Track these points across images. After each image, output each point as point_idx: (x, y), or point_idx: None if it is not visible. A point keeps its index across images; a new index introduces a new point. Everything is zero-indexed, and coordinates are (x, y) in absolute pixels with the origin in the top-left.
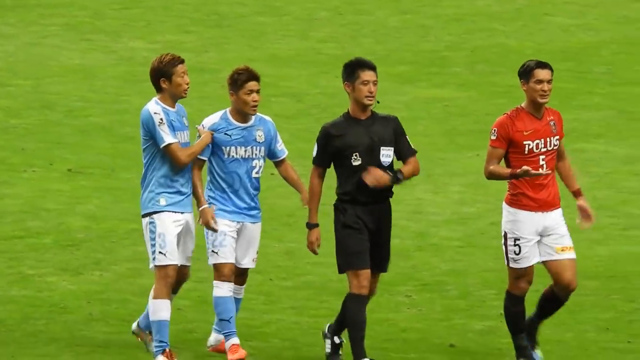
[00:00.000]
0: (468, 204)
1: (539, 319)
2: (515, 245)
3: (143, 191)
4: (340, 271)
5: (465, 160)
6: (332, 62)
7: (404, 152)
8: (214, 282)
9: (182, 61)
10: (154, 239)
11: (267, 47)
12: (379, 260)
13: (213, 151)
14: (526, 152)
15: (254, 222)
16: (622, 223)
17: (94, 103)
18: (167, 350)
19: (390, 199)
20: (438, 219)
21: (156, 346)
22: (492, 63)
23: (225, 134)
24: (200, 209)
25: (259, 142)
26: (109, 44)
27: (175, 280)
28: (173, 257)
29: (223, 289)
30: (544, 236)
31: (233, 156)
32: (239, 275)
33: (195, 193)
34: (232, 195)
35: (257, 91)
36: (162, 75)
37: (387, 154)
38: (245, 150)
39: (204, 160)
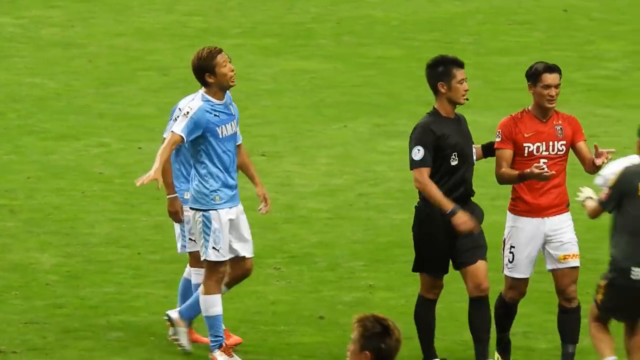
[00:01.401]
0: (336, 176)
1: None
2: (510, 252)
3: (191, 183)
4: (414, 270)
5: (333, 132)
6: (198, 35)
7: None
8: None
9: (220, 51)
10: (208, 234)
11: (133, 20)
12: (475, 251)
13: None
14: (526, 155)
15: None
16: (491, 193)
17: None
18: (224, 345)
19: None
20: (306, 191)
21: (213, 341)
22: (359, 34)
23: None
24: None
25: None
26: None
27: (239, 274)
28: (226, 254)
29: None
30: (547, 243)
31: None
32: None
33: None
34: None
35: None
36: (205, 70)
37: (473, 152)
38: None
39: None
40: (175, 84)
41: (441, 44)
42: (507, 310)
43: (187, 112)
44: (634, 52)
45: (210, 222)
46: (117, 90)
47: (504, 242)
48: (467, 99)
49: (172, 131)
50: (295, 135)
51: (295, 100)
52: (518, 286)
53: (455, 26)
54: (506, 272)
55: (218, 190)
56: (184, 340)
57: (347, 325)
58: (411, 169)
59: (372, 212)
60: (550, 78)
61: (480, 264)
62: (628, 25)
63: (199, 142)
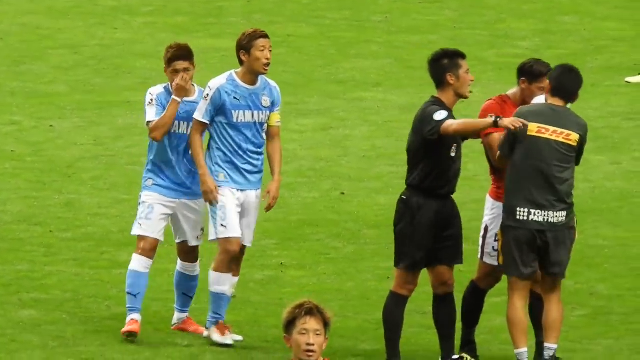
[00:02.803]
0: None
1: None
2: (496, 240)
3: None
4: (395, 264)
5: None
6: (108, 13)
7: None
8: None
9: (264, 36)
10: (215, 212)
11: None
12: (454, 252)
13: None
14: None
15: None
16: (402, 172)
17: None
18: (220, 322)
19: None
20: None
21: (211, 317)
22: (269, 12)
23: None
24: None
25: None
26: None
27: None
28: (234, 231)
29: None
30: None
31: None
32: (190, 252)
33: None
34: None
35: (185, 69)
36: (242, 48)
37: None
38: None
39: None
40: (86, 62)
41: (352, 23)
42: (478, 301)
43: (207, 95)
44: (544, 30)
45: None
46: (28, 68)
47: (485, 230)
48: (471, 92)
49: (194, 118)
50: None
51: (207, 78)
52: (498, 273)
53: (366, 4)
54: (488, 261)
55: (223, 169)
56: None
57: (258, 303)
58: (439, 130)
59: (283, 191)
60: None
61: (452, 267)
62: (538, 4)
63: (213, 120)
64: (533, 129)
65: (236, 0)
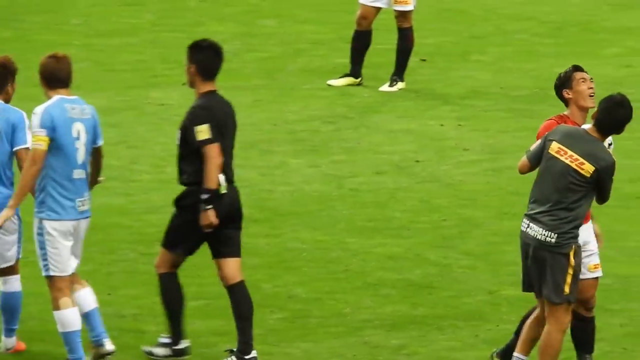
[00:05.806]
0: None
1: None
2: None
3: None
4: None
5: None
6: None
7: None
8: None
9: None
10: None
11: None
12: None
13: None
14: None
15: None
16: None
17: None
18: None
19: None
20: None
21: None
22: None
23: None
24: None
25: None
26: None
27: None
28: None
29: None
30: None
31: None
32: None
33: None
34: None
35: None
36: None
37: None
38: None
39: None
40: None
41: (50, 26)
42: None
43: None
44: (244, 33)
45: None
46: None
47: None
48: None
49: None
50: None
51: None
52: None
53: (65, 8)
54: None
55: None
56: None
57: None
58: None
59: None
60: None
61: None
62: (239, 7)
63: None
64: (554, 148)
65: None
